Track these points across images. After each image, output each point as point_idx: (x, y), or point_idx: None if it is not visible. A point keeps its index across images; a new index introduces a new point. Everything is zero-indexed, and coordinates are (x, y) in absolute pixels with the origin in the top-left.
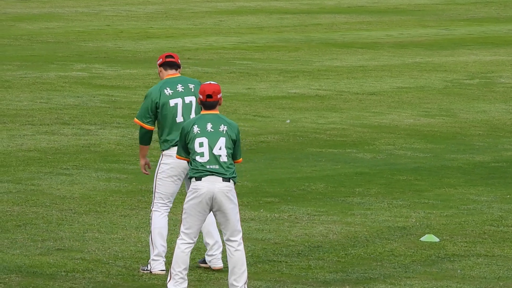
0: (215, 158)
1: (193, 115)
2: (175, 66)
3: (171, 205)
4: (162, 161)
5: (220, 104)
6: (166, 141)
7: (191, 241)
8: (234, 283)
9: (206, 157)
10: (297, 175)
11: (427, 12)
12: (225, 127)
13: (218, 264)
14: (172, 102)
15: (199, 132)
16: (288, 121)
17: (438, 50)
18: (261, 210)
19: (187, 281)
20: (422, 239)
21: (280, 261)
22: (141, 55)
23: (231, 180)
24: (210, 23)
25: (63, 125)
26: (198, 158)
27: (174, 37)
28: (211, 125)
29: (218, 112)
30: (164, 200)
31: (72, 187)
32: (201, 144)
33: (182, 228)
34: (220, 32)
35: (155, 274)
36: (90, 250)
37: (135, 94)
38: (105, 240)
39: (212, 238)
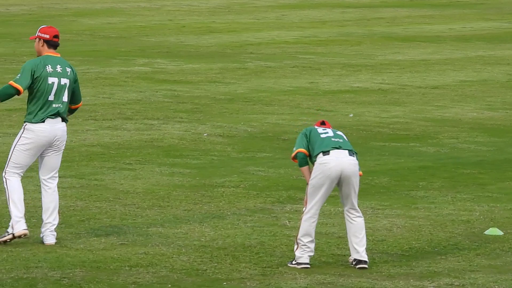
0: (338, 136)
1: (65, 98)
2: (57, 46)
3: (22, 174)
4: (23, 134)
5: None
6: (33, 114)
7: (317, 213)
8: (356, 246)
9: (330, 133)
10: (361, 169)
11: (489, 5)
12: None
13: (48, 240)
14: (50, 80)
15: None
16: (351, 115)
17: (501, 43)
18: (325, 204)
19: (313, 252)
20: (486, 232)
21: (344, 255)
22: (203, 50)
23: (354, 155)
24: (273, 17)
25: (125, 120)
26: (322, 135)
27: (237, 31)
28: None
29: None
30: (17, 170)
31: (135, 182)
32: (324, 129)
33: (307, 203)
34: (282, 26)
35: (19, 236)
36: (154, 245)
37: (197, 89)
38: (169, 235)
39: (46, 216)
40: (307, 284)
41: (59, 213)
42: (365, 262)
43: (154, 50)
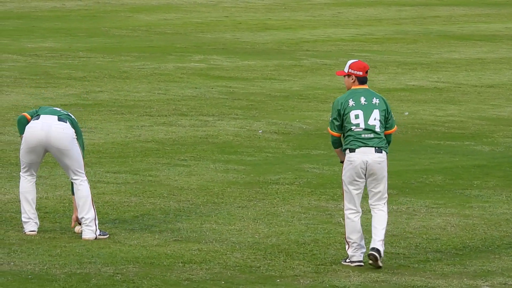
0: (370, 128)
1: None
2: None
3: (35, 173)
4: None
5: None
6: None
7: (356, 209)
8: (374, 236)
9: (361, 127)
10: (415, 167)
11: None
12: (377, 100)
13: (84, 235)
14: None
15: (354, 105)
16: (406, 113)
17: None
18: None
19: (364, 248)
20: None
21: (398, 253)
22: (259, 47)
23: (383, 151)
24: (329, 14)
25: (181, 116)
26: (354, 128)
27: (292, 28)
28: (364, 99)
29: (367, 87)
30: (22, 166)
31: (190, 178)
32: (356, 116)
33: (345, 200)
34: (338, 24)
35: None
36: (208, 241)
37: (253, 86)
38: (223, 232)
39: (79, 212)
40: (361, 282)
41: (93, 206)
42: (377, 250)
43: (210, 47)
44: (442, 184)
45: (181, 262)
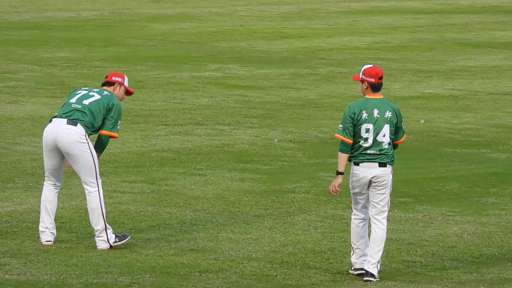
0: (377, 144)
1: (86, 102)
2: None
3: (58, 183)
4: None
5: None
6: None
7: (362, 216)
8: (369, 258)
9: (369, 143)
10: (431, 175)
11: None
12: (390, 113)
13: (97, 246)
14: (78, 91)
15: (366, 118)
16: (422, 121)
17: None
18: (396, 210)
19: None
20: None
21: (414, 261)
22: (275, 55)
23: (387, 165)
24: (344, 23)
25: (196, 126)
26: (362, 142)
27: (308, 37)
28: (378, 111)
29: (382, 96)
30: (46, 173)
31: (206, 188)
32: (367, 130)
33: (352, 205)
34: (354, 32)
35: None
36: (224, 251)
37: (268, 94)
38: (239, 241)
39: (95, 225)
40: None
41: (103, 216)
42: (372, 275)
43: (225, 55)
44: (459, 192)
45: (198, 271)
